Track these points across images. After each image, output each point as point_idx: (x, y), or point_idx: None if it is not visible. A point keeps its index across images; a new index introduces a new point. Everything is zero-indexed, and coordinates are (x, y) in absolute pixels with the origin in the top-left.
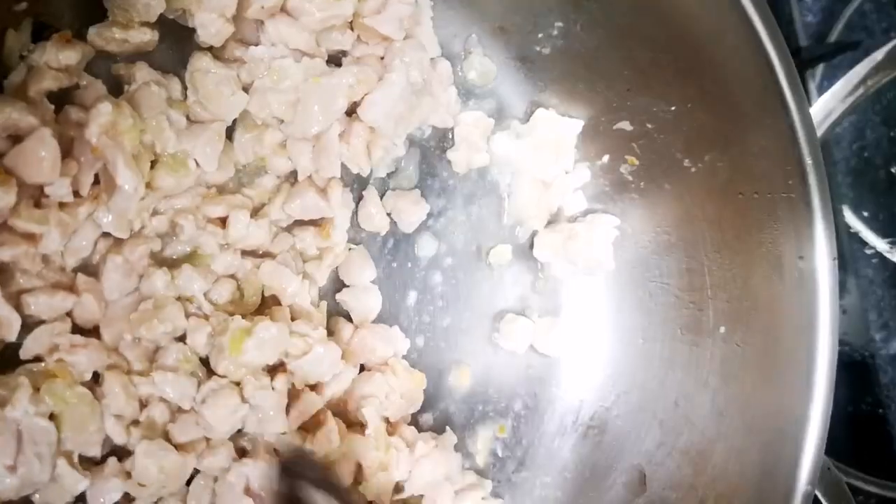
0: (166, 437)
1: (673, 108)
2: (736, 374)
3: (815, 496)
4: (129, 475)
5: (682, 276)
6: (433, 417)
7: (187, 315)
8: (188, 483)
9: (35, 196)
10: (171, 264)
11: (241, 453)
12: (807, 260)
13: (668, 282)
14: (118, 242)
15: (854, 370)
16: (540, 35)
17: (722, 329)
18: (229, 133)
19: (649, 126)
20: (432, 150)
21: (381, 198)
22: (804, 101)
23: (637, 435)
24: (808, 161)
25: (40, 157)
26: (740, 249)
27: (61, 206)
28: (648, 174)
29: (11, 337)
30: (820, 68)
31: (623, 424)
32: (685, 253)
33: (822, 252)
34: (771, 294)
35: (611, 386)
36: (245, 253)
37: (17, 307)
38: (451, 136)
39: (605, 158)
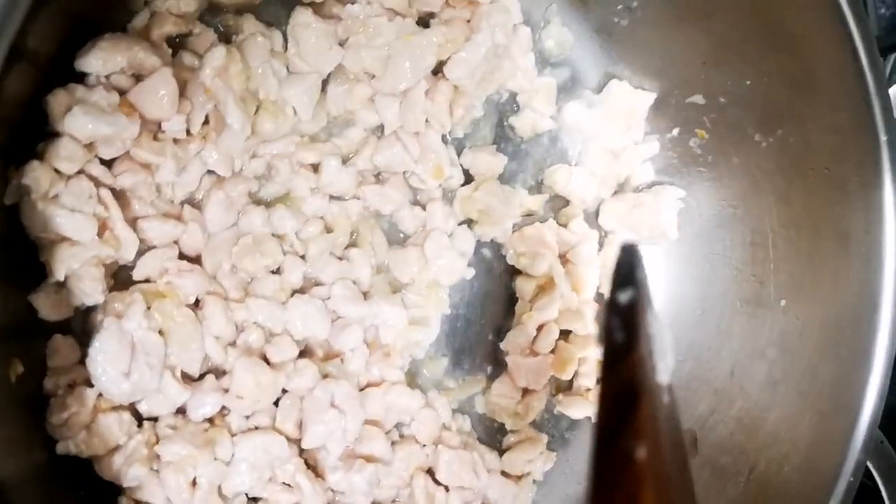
0: (261, 358)
1: (748, 83)
2: (794, 347)
3: (867, 467)
4: (226, 391)
5: (746, 249)
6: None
7: (283, 252)
8: (275, 404)
9: (153, 131)
10: (266, 204)
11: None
12: (874, 236)
13: (731, 254)
14: (221, 180)
15: None
16: (619, 7)
17: (783, 302)
18: (323, 86)
19: (722, 100)
20: (507, 114)
21: (459, 155)
22: (883, 78)
23: (690, 402)
24: (883, 138)
25: (160, 94)
26: (807, 224)
27: (175, 141)
28: (718, 148)
29: (130, 256)
30: (891, 59)
31: (676, 391)
32: (750, 227)
33: (892, 229)
34: (835, 269)
35: None
36: (332, 198)
37: (134, 231)
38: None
39: (675, 131)
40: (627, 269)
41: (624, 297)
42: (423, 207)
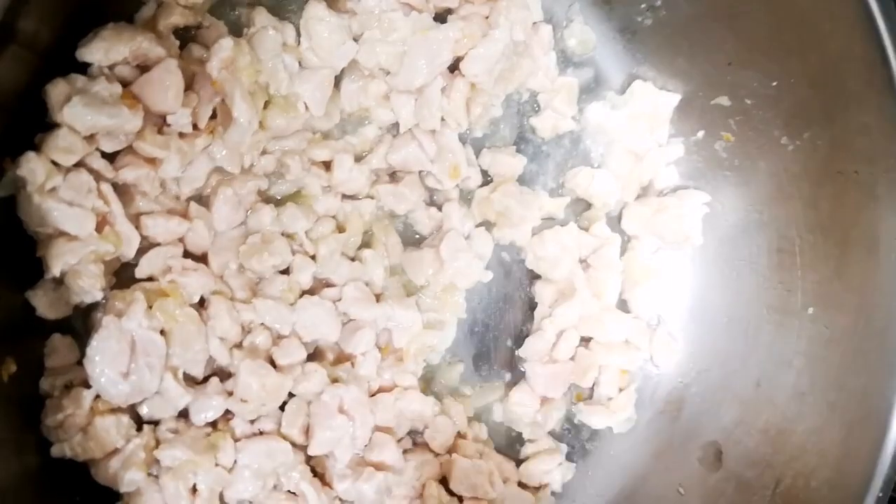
0: (268, 360)
1: (774, 84)
2: (822, 356)
3: None
4: (230, 394)
5: (772, 256)
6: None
7: (292, 252)
8: (281, 408)
9: (158, 125)
10: (277, 202)
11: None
12: None
13: (758, 260)
14: (229, 177)
15: None
16: (643, 6)
17: (810, 310)
18: (337, 82)
19: (748, 102)
20: (528, 114)
21: (477, 156)
22: None
23: (715, 412)
24: None
25: (166, 86)
26: (835, 230)
27: (181, 136)
28: (743, 151)
29: (130, 254)
30: None
31: (701, 402)
32: (777, 232)
33: None
34: (864, 276)
35: (691, 363)
36: (344, 197)
37: (137, 228)
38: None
39: (700, 134)
40: None
41: None
42: (439, 208)
